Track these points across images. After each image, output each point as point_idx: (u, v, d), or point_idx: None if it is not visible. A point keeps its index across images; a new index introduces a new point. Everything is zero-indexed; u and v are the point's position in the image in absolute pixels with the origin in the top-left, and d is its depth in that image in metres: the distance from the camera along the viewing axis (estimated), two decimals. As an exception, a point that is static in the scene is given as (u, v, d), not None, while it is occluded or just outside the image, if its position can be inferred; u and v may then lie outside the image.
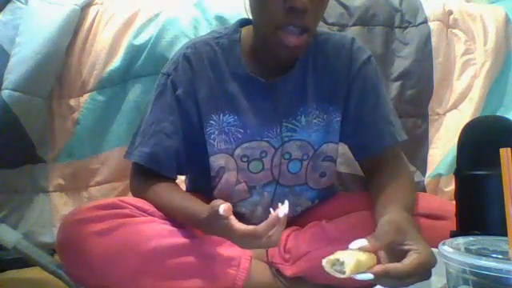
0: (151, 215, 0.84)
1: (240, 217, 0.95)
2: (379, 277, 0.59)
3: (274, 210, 0.92)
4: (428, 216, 0.85)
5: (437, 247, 0.56)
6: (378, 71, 0.97)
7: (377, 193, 0.83)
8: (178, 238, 0.82)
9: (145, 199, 0.87)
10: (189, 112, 0.91)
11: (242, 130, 0.91)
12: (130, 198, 0.88)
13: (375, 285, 0.69)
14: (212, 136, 0.91)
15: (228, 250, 0.85)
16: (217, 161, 0.92)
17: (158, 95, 0.92)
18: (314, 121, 0.93)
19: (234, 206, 0.94)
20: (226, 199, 0.93)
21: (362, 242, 0.62)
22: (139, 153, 0.90)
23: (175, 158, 0.91)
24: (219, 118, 0.91)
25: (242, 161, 0.92)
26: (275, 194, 0.94)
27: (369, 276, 0.59)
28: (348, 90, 0.93)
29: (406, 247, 0.62)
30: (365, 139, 0.93)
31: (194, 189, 1.03)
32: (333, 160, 0.97)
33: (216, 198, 0.92)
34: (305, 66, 0.92)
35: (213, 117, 0.91)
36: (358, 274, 0.59)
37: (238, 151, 0.91)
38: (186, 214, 0.83)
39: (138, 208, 0.83)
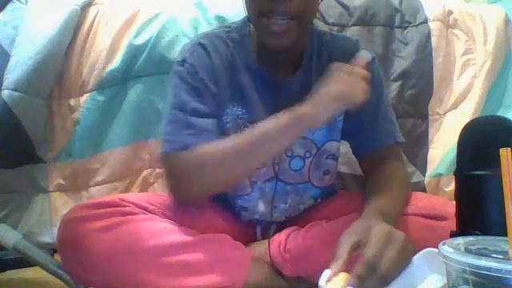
0: (152, 213, 0.84)
1: (243, 210, 0.96)
2: (361, 280, 0.60)
3: (277, 207, 0.94)
4: (427, 216, 0.85)
5: (437, 247, 0.56)
6: (380, 72, 0.98)
7: (366, 192, 0.86)
8: (178, 236, 0.82)
9: (208, 163, 0.81)
10: (214, 96, 0.88)
11: (249, 124, 0.91)
12: (130, 196, 0.88)
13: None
14: (228, 125, 0.91)
15: (228, 249, 0.85)
16: None
17: (180, 82, 0.88)
18: None
19: (238, 198, 0.95)
20: (232, 192, 0.95)
21: (327, 274, 0.63)
22: (178, 143, 0.84)
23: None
24: (230, 110, 0.91)
25: None
26: (276, 190, 0.94)
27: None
28: None
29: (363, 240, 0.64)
30: (365, 137, 0.95)
31: None
32: (335, 158, 0.98)
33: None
34: (310, 64, 0.93)
35: (228, 105, 0.91)
36: None
37: None
38: (275, 123, 0.80)
39: (138, 206, 0.83)
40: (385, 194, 0.83)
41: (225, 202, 0.97)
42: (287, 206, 0.95)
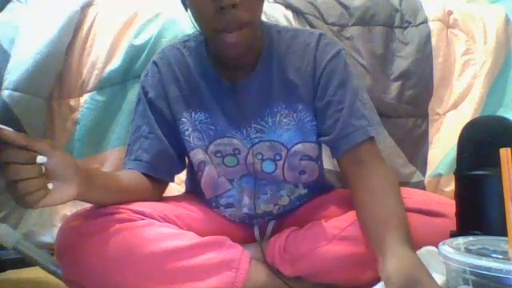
0: (149, 217, 0.83)
1: (229, 207, 0.96)
2: None
3: (259, 198, 0.94)
4: (425, 212, 0.84)
5: (434, 244, 0.56)
6: (347, 65, 0.92)
7: (361, 211, 0.81)
8: (177, 241, 0.82)
9: None
10: (163, 112, 0.93)
11: (212, 127, 0.92)
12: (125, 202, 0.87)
13: (374, 284, 0.69)
14: (186, 133, 0.92)
15: (227, 251, 0.85)
16: (195, 156, 0.93)
17: (136, 104, 0.96)
18: (284, 120, 0.91)
19: (221, 197, 0.95)
20: (212, 192, 0.95)
21: None
22: (127, 161, 0.93)
23: (159, 157, 0.92)
24: (191, 115, 0.92)
25: (216, 156, 0.93)
26: (255, 184, 0.94)
27: None
28: (315, 90, 0.91)
29: None
30: (336, 137, 0.88)
31: (192, 188, 1.04)
32: (313, 159, 0.95)
33: (205, 195, 0.95)
34: (268, 65, 0.91)
35: (184, 115, 0.92)
36: None
37: (212, 148, 0.92)
38: None
39: (134, 212, 0.82)
40: (393, 217, 0.76)
41: (210, 205, 0.97)
42: (268, 195, 0.95)
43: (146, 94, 0.94)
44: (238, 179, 0.94)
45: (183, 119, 0.92)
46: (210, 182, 0.95)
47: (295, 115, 0.91)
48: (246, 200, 0.95)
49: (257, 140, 0.91)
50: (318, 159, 0.97)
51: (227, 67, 0.91)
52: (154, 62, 0.95)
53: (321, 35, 0.93)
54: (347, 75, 0.91)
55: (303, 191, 0.98)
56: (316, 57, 0.91)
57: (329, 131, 0.90)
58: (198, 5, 0.80)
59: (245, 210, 0.95)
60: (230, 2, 0.76)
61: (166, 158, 0.93)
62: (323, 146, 0.96)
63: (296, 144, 0.92)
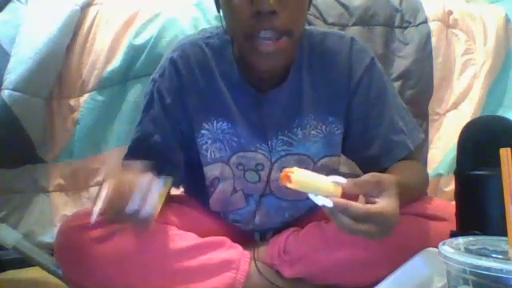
0: None
1: (236, 222, 0.95)
2: (338, 207, 0.60)
3: (271, 218, 0.91)
4: (427, 216, 0.84)
5: (437, 247, 0.56)
6: (382, 74, 0.89)
7: None
8: (177, 242, 0.82)
9: None
10: (179, 121, 0.87)
11: (236, 139, 0.87)
12: None
13: (375, 284, 0.69)
14: (204, 147, 0.87)
15: (227, 252, 0.85)
16: (210, 171, 0.89)
17: (147, 105, 0.88)
18: (313, 132, 0.87)
19: (230, 214, 0.93)
20: (222, 208, 0.92)
21: (340, 179, 0.63)
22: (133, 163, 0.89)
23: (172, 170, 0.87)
24: (212, 125, 0.87)
25: (238, 169, 0.89)
26: (272, 204, 0.91)
27: (328, 203, 0.60)
28: (349, 102, 0.87)
29: (377, 199, 0.63)
30: (373, 155, 0.87)
31: (191, 193, 1.02)
32: (335, 172, 0.93)
33: (211, 207, 0.92)
34: (299, 73, 0.85)
35: (204, 125, 0.87)
36: (317, 195, 0.61)
37: (234, 159, 0.88)
38: None
39: None
40: (400, 169, 0.81)
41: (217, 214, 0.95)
42: (285, 217, 0.93)
43: (161, 98, 0.86)
44: (258, 196, 0.90)
45: (203, 131, 0.86)
46: (222, 198, 0.91)
47: (324, 127, 0.87)
48: (257, 220, 0.92)
49: (283, 153, 0.87)
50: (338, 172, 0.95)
51: (255, 75, 0.85)
52: (173, 61, 0.86)
53: (352, 40, 0.88)
54: (384, 86, 0.88)
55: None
56: (350, 67, 0.86)
57: (364, 148, 0.88)
58: (234, 5, 0.73)
59: (250, 226, 0.93)
60: (269, 7, 0.69)
61: (177, 171, 0.89)
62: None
63: (322, 157, 0.89)
